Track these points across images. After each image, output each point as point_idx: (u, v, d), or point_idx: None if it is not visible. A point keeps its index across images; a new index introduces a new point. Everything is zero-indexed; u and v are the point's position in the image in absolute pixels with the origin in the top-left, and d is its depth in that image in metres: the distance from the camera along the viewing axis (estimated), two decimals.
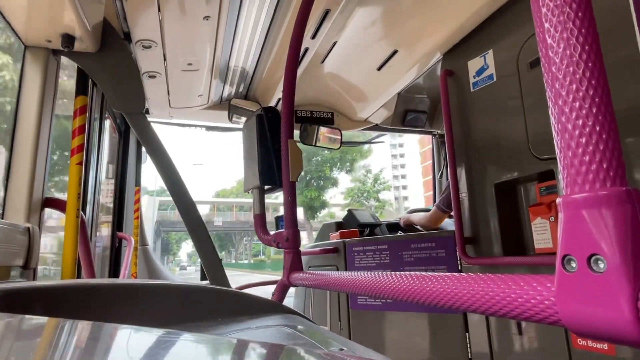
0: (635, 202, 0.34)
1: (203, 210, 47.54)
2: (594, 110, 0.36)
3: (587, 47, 0.37)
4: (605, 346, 1.22)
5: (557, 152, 0.39)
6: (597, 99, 0.36)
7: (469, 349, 1.69)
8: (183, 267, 46.55)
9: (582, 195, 0.36)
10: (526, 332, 1.48)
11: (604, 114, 0.36)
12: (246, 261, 55.07)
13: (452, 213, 1.73)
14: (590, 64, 0.37)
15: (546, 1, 0.39)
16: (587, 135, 0.36)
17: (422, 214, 2.42)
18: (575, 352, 1.30)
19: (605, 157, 0.35)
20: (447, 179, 2.61)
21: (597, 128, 0.36)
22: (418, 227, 2.46)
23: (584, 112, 0.37)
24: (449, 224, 2.54)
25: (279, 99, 2.20)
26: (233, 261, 57.78)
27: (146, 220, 3.20)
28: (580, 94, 0.37)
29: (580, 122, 0.37)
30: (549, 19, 0.39)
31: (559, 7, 0.38)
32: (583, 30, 0.37)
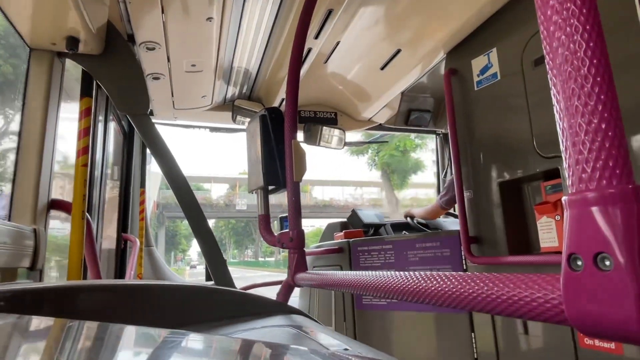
0: None
1: (221, 191, 40.81)
2: (600, 108, 0.36)
3: (591, 44, 0.36)
4: (613, 345, 1.21)
5: (562, 151, 0.39)
6: (602, 96, 0.36)
7: (474, 348, 1.68)
8: (193, 266, 45.45)
9: (588, 193, 0.36)
10: (532, 331, 1.47)
11: (610, 111, 0.36)
12: (265, 258, 49.81)
13: (457, 212, 1.72)
14: (595, 61, 0.36)
15: None
16: (592, 133, 0.36)
17: (423, 208, 2.45)
18: (582, 351, 1.29)
19: (612, 155, 0.35)
20: (446, 178, 2.60)
21: (603, 125, 0.36)
22: (415, 218, 2.47)
23: (589, 109, 0.36)
24: (450, 223, 2.54)
25: (283, 100, 2.20)
26: (252, 259, 52.84)
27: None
28: (586, 90, 0.36)
29: (586, 119, 0.36)
30: (553, 16, 0.39)
31: (563, 4, 0.38)
32: (587, 27, 0.37)
